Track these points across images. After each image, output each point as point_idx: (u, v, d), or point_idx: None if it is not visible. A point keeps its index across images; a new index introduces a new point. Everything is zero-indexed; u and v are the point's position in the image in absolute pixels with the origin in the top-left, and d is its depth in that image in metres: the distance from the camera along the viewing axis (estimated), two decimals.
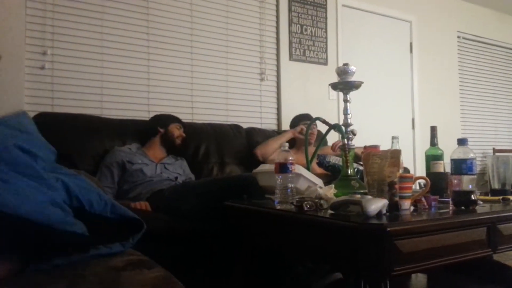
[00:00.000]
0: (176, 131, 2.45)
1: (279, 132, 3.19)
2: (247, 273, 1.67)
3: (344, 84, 1.71)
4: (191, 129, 2.72)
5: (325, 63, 3.61)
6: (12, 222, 0.83)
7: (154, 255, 1.12)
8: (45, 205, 0.91)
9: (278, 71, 3.39)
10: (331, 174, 2.21)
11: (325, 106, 3.53)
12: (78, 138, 2.26)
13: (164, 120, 2.48)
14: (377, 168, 1.40)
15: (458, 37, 4.64)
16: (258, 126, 3.17)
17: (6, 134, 0.97)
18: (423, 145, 3.78)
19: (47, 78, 2.49)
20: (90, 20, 2.63)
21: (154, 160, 2.32)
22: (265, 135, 3.01)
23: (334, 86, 1.74)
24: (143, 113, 2.72)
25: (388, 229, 1.02)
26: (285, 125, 3.18)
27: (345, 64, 1.72)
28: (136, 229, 1.14)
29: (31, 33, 2.45)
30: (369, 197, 1.24)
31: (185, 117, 2.88)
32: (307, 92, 3.50)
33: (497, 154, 4.09)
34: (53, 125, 2.23)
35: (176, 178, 2.28)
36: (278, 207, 1.39)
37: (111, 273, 0.92)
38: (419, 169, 3.75)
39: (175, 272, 0.98)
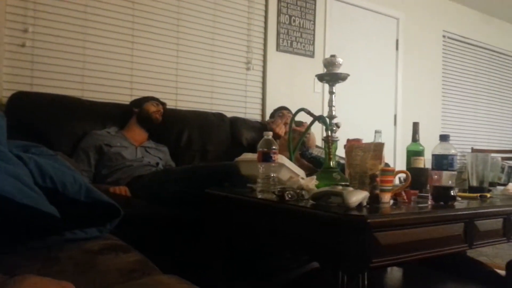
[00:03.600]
0: (152, 107, 2.41)
1: (262, 123, 3.18)
2: (224, 261, 1.66)
3: (331, 76, 1.70)
4: (175, 115, 2.69)
5: (311, 55, 3.60)
6: None
7: (132, 241, 1.10)
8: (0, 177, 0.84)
9: (264, 61, 3.37)
10: (313, 166, 2.22)
11: (310, 99, 3.53)
12: (57, 119, 2.20)
13: (138, 100, 2.45)
14: (359, 161, 1.41)
15: (444, 36, 4.69)
16: (242, 116, 3.16)
17: None
18: (404, 141, 3.83)
19: (27, 57, 2.41)
20: None
21: (135, 143, 2.28)
22: (249, 125, 2.99)
23: (321, 77, 1.73)
24: (126, 97, 2.67)
25: (369, 220, 1.02)
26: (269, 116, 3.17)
27: (332, 56, 1.71)
28: (112, 214, 1.11)
29: (12, 9, 2.36)
30: (351, 188, 1.24)
31: (169, 103, 2.83)
32: (293, 83, 3.49)
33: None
34: (31, 104, 2.17)
35: (158, 164, 2.25)
36: (260, 196, 1.38)
37: (86, 256, 0.90)
38: (399, 165, 3.80)
39: (153, 259, 0.97)
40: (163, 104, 2.50)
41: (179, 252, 1.71)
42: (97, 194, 1.09)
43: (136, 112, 2.38)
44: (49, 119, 2.17)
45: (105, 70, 2.66)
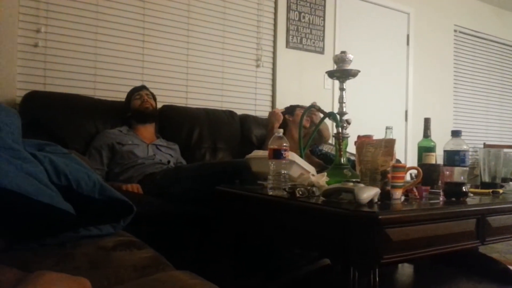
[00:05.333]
0: (137, 102, 2.36)
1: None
2: (234, 257, 1.67)
3: (341, 72, 1.69)
4: (185, 113, 2.70)
5: (321, 51, 3.59)
6: None
7: (144, 238, 1.12)
8: (17, 174, 0.86)
9: (274, 58, 3.37)
10: (324, 162, 2.22)
11: (320, 95, 3.52)
12: (70, 118, 2.23)
13: (126, 104, 2.41)
14: (370, 157, 1.40)
15: (455, 31, 4.64)
16: (252, 113, 3.16)
17: None
18: (415, 137, 3.80)
19: (40, 56, 2.45)
20: None
21: (145, 141, 2.31)
22: (259, 123, 3.00)
23: (331, 74, 1.73)
24: None
25: (380, 217, 1.03)
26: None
27: (343, 52, 1.70)
28: (126, 211, 1.13)
29: (24, 9, 2.40)
30: (362, 185, 1.24)
31: (180, 101, 2.87)
32: (303, 80, 3.48)
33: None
34: (44, 104, 2.21)
35: (169, 162, 2.26)
36: (271, 193, 1.39)
37: (101, 252, 0.92)
38: (410, 161, 3.77)
39: (164, 255, 0.98)
40: (143, 87, 2.44)
41: (190, 249, 1.73)
42: (111, 191, 1.11)
43: (130, 116, 2.37)
44: (62, 118, 2.21)
45: (116, 69, 2.69)
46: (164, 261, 0.93)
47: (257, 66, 3.29)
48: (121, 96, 2.61)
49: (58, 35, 2.50)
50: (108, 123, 2.34)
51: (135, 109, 2.35)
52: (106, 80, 2.65)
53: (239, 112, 3.00)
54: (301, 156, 1.68)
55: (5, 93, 2.31)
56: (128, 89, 2.65)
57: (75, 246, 0.94)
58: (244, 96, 3.24)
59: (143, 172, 2.09)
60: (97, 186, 1.07)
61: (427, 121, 1.87)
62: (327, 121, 1.84)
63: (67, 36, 2.53)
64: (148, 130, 2.38)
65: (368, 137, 1.63)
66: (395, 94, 4.15)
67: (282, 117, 2.65)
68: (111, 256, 0.91)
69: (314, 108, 1.82)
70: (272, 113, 2.70)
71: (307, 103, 1.90)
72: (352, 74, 1.70)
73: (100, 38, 2.63)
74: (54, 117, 2.18)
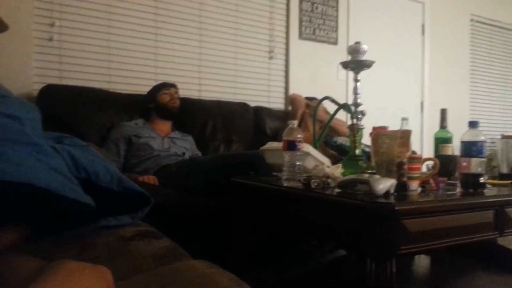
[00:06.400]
0: (165, 97, 2.40)
1: (286, 111, 3.18)
2: (249, 248, 1.68)
3: (356, 63, 1.68)
4: (199, 105, 2.71)
5: (335, 42, 3.56)
6: (13, 190, 0.82)
7: (160, 228, 1.13)
8: (41, 169, 0.87)
9: (287, 49, 3.35)
10: (338, 154, 2.21)
11: (333, 86, 3.50)
12: (86, 111, 2.26)
13: (150, 95, 2.44)
14: (386, 148, 1.39)
15: (471, 20, 4.54)
16: (266, 105, 3.16)
17: None
18: (431, 128, 3.75)
19: (55, 50, 2.47)
20: None
21: (161, 134, 2.33)
22: (273, 114, 2.99)
23: (345, 65, 1.71)
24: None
25: (396, 208, 1.02)
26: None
27: (357, 43, 1.69)
28: (142, 202, 1.14)
29: (38, 3, 2.42)
30: (377, 176, 1.23)
31: (193, 94, 2.87)
32: (316, 71, 3.46)
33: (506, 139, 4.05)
34: (61, 97, 2.23)
35: (184, 153, 2.28)
36: (286, 184, 1.39)
37: (120, 242, 0.93)
38: (427, 153, 3.73)
39: (180, 245, 0.99)
40: (173, 86, 2.48)
41: (204, 240, 1.74)
42: (128, 183, 1.12)
43: (153, 107, 2.40)
44: (78, 111, 2.24)
45: (130, 62, 2.70)
46: (182, 251, 0.94)
47: (270, 57, 3.28)
48: (135, 89, 2.63)
49: (72, 28, 2.52)
50: (123, 116, 2.37)
51: (162, 103, 2.38)
52: (120, 73, 2.67)
53: (252, 104, 3.00)
54: (315, 148, 1.67)
55: (22, 86, 2.33)
56: (142, 81, 2.67)
57: (95, 236, 0.95)
58: (257, 88, 3.23)
59: (158, 164, 2.11)
60: (115, 178, 1.09)
61: (443, 112, 1.84)
62: (341, 113, 1.83)
63: (81, 30, 2.54)
64: (165, 125, 2.41)
65: (383, 128, 1.62)
66: (410, 85, 4.10)
67: (305, 102, 2.64)
68: (130, 245, 0.92)
69: (328, 99, 1.81)
70: (294, 100, 2.69)
71: (320, 95, 1.89)
72: (367, 65, 1.68)
73: (114, 32, 2.65)
74: (71, 110, 2.21)
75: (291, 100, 2.88)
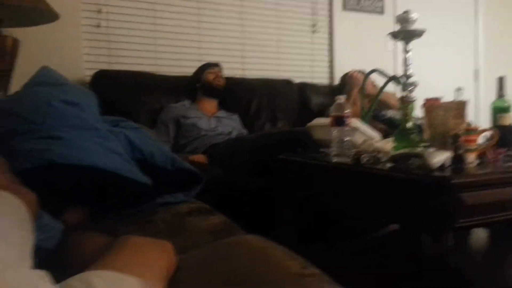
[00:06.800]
0: (210, 76, 2.46)
1: (331, 86, 3.11)
2: (298, 225, 1.69)
3: (405, 33, 1.61)
4: (243, 84, 2.72)
5: (381, 11, 3.41)
6: (77, 173, 0.86)
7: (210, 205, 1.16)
8: (103, 152, 0.92)
9: (330, 22, 3.26)
10: (387, 128, 2.15)
11: (381, 58, 3.37)
12: (135, 95, 2.34)
13: (196, 75, 2.50)
14: (440, 121, 1.34)
15: None
16: (310, 80, 3.11)
17: (45, 92, 0.94)
18: (487, 97, 3.55)
19: (103, 36, 2.55)
20: None
21: (207, 114, 2.37)
22: (317, 90, 2.95)
23: (394, 36, 1.64)
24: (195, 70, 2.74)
25: (453, 181, 0.99)
26: (338, 79, 3.09)
27: (406, 12, 1.62)
28: (194, 181, 1.18)
29: None
30: (432, 149, 1.19)
31: (236, 73, 2.88)
32: (362, 43, 3.34)
33: None
34: (112, 82, 2.32)
35: (230, 132, 2.32)
36: (335, 160, 1.38)
37: (177, 218, 0.97)
38: (482, 124, 3.53)
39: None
40: (217, 65, 2.53)
41: (252, 218, 1.77)
42: (181, 162, 1.17)
43: (199, 87, 2.46)
44: (129, 95, 2.32)
45: (175, 45, 2.74)
46: (235, 226, 0.97)
47: (313, 31, 3.21)
48: (181, 71, 2.67)
49: (118, 14, 2.58)
50: (170, 97, 2.43)
51: (207, 81, 2.44)
52: (166, 56, 2.72)
53: (296, 80, 2.96)
54: (364, 122, 1.64)
55: (75, 73, 2.43)
56: (187, 63, 2.71)
57: (153, 213, 1.00)
58: (301, 64, 3.18)
59: (206, 144, 2.16)
60: (169, 158, 1.13)
61: (501, 80, 1.74)
62: (390, 86, 1.77)
63: (126, 15, 2.60)
64: (211, 104, 2.46)
65: (436, 100, 1.55)
66: (462, 52, 3.87)
67: (361, 80, 2.58)
68: (186, 221, 0.96)
69: (376, 72, 1.75)
70: (351, 76, 2.64)
71: (367, 67, 1.84)
72: (417, 34, 1.61)
73: (158, 15, 2.68)
74: (122, 94, 2.30)
75: (349, 77, 2.79)
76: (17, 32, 2.07)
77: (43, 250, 0.73)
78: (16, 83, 1.95)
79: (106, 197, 1.01)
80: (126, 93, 2.31)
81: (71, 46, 2.44)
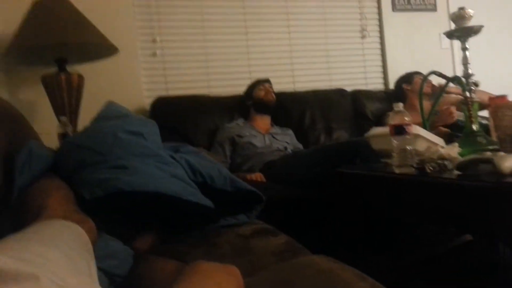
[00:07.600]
0: (261, 92, 2.48)
1: (386, 92, 3.02)
2: (362, 238, 1.65)
3: (461, 31, 1.54)
4: (294, 98, 2.73)
5: (433, 9, 3.28)
6: (142, 198, 0.91)
7: (271, 223, 1.16)
8: (165, 178, 0.95)
9: (380, 25, 3.18)
10: (451, 131, 2.04)
11: (436, 57, 3.22)
12: (192, 117, 2.43)
13: (247, 92, 2.54)
14: (508, 121, 1.26)
15: None
16: (363, 87, 3.04)
17: (111, 125, 1.01)
18: None
19: (159, 64, 2.68)
20: (191, 1, 2.74)
21: (261, 131, 2.40)
22: (372, 97, 2.88)
23: (450, 34, 1.58)
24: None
25: None
26: (393, 83, 2.99)
27: (461, 8, 1.54)
28: (254, 200, 1.19)
29: (140, 23, 2.62)
30: (502, 153, 1.12)
31: (287, 87, 2.89)
32: (415, 43, 3.22)
33: None
34: (170, 107, 2.43)
35: (286, 148, 2.32)
36: (397, 171, 1.33)
37: (241, 240, 0.99)
38: None
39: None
40: (267, 81, 2.55)
41: (315, 232, 1.75)
42: (240, 183, 1.18)
43: (251, 104, 2.49)
44: (186, 118, 2.41)
45: (225, 65, 2.81)
46: (300, 246, 0.96)
47: (363, 36, 3.15)
48: (232, 90, 2.72)
49: (171, 41, 2.70)
50: (224, 117, 2.49)
51: (259, 98, 2.47)
52: (218, 77, 2.79)
53: (349, 88, 2.91)
54: (424, 127, 1.57)
55: (135, 101, 2.56)
56: (238, 82, 2.76)
57: (217, 235, 1.02)
58: (353, 71, 3.12)
59: (263, 161, 2.17)
60: (228, 179, 1.16)
61: None
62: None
63: (179, 42, 2.72)
64: (264, 121, 2.48)
65: (503, 97, 1.46)
66: None
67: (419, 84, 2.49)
68: (250, 243, 0.97)
69: (434, 74, 1.68)
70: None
71: (422, 68, 1.76)
72: (474, 31, 1.53)
73: (208, 38, 2.77)
74: (180, 118, 2.39)
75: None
76: (81, 68, 2.24)
77: (116, 277, 0.77)
78: (83, 115, 2.10)
79: (172, 221, 1.05)
80: (183, 117, 2.40)
81: (130, 76, 2.58)
